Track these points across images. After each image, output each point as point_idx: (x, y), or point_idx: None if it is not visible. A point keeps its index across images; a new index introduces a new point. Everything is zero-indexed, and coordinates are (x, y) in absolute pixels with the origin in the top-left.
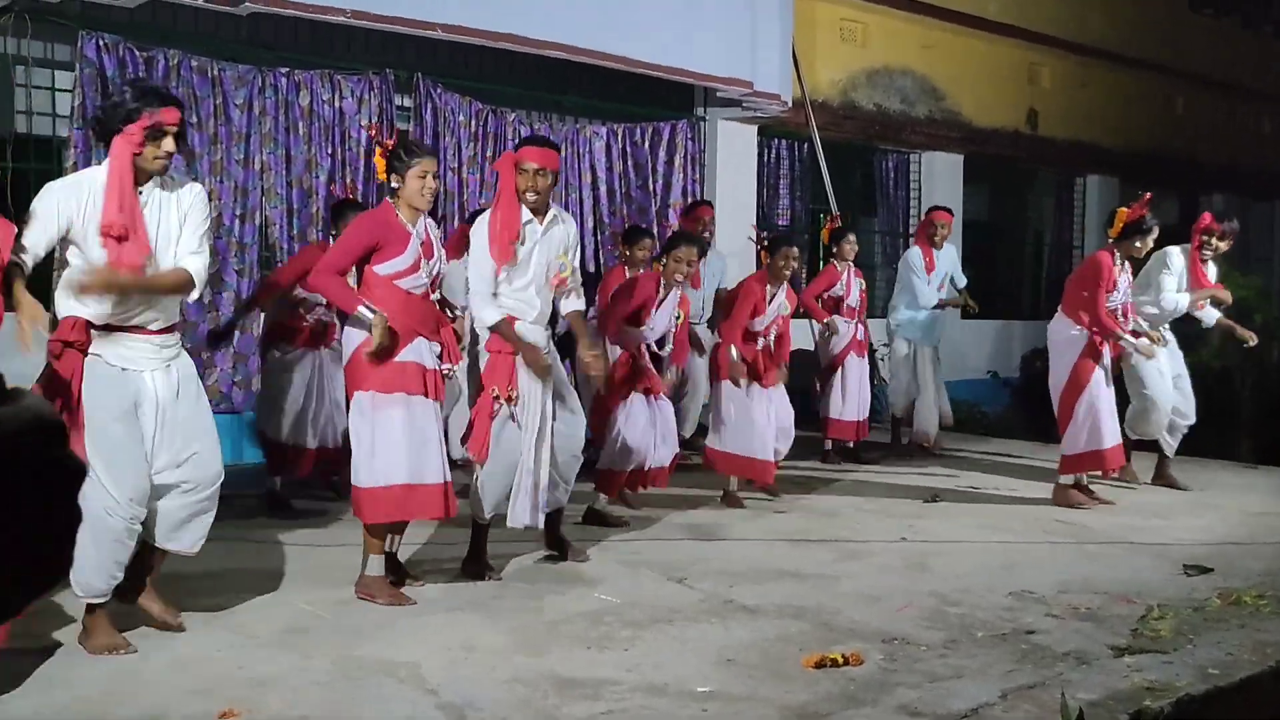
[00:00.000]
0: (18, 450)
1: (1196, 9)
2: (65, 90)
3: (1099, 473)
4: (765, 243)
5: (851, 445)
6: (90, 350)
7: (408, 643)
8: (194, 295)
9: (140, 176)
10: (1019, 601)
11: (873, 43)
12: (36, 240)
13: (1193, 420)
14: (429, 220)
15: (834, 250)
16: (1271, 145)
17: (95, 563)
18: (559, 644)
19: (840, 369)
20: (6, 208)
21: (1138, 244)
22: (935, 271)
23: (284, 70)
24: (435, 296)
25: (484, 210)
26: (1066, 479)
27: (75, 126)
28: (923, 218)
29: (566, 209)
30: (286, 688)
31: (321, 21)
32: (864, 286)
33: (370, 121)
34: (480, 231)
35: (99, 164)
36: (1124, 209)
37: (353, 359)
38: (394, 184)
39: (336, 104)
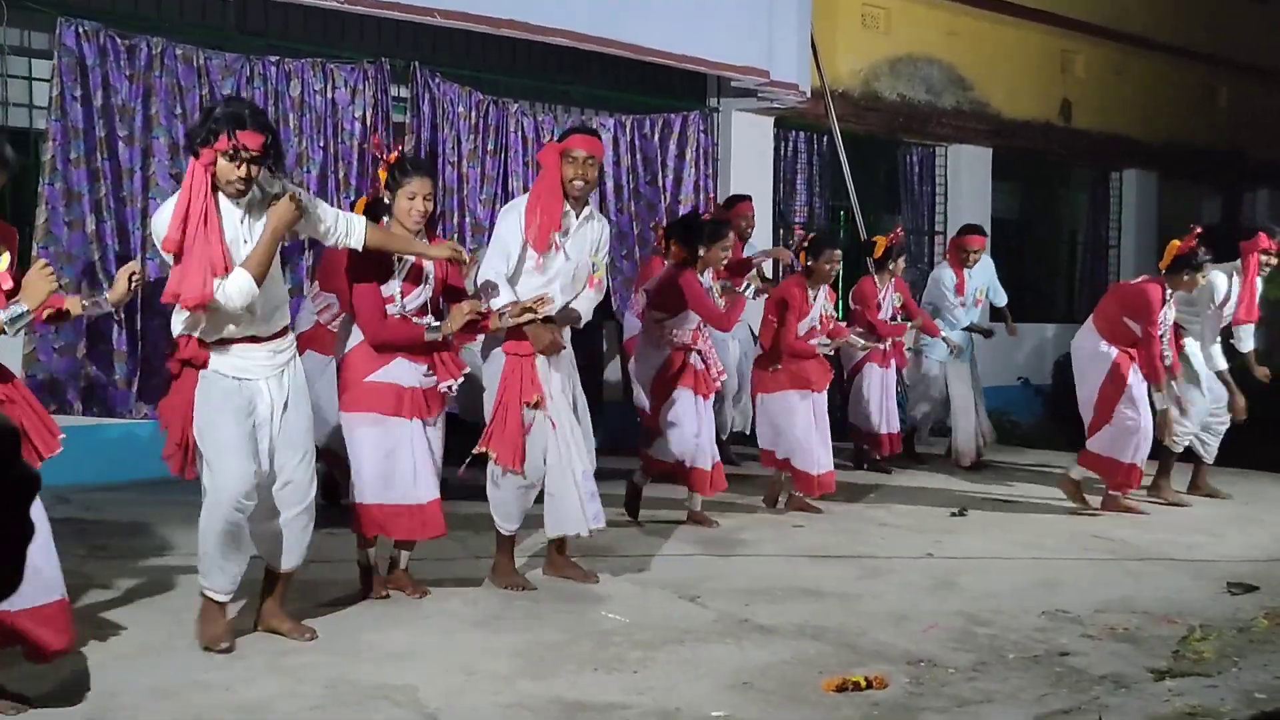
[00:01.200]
0: None
1: None
2: (43, 80)
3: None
4: (806, 244)
5: (878, 458)
6: (209, 366)
7: (405, 665)
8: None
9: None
10: (1053, 622)
11: (896, 29)
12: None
13: (1227, 423)
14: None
15: (889, 266)
16: None
17: (220, 562)
18: (565, 666)
19: (860, 374)
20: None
21: (1186, 278)
22: (966, 293)
23: (273, 59)
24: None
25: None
26: (1078, 473)
27: (53, 118)
28: (954, 237)
29: None
30: (277, 713)
31: (313, 7)
32: (901, 302)
33: (376, 132)
34: (510, 218)
35: (76, 156)
36: (1176, 241)
37: (338, 381)
38: (386, 200)
39: (329, 95)
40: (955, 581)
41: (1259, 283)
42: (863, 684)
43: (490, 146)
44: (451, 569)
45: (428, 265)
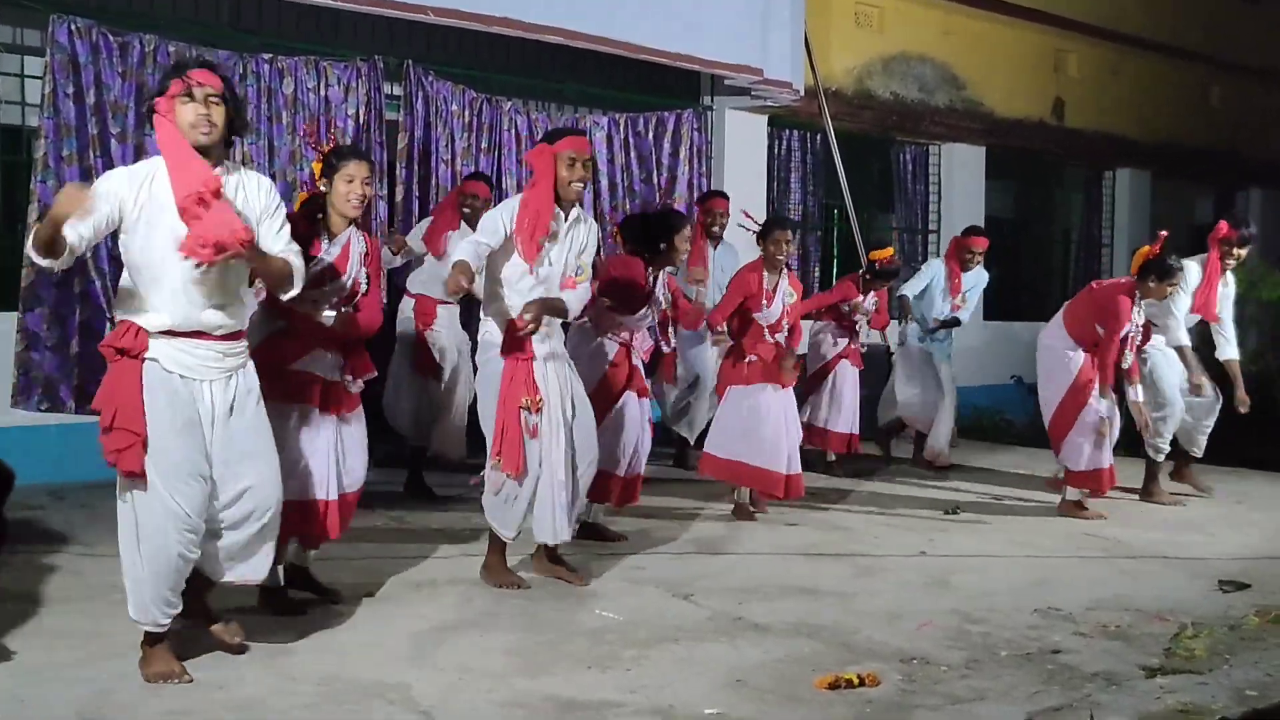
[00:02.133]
0: None
1: None
2: (35, 77)
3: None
4: (759, 228)
5: (834, 458)
6: (146, 355)
7: (398, 663)
8: (289, 295)
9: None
10: (1045, 620)
11: (890, 28)
12: (85, 222)
13: (1215, 417)
14: (357, 232)
15: (879, 280)
16: None
17: (152, 590)
18: (559, 664)
19: (831, 376)
20: None
21: (1153, 285)
22: (960, 294)
23: (266, 56)
24: (331, 315)
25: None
26: (1073, 494)
27: (46, 115)
28: (959, 236)
29: None
30: (270, 711)
31: (307, 5)
32: (879, 305)
33: (311, 118)
34: (495, 216)
35: (69, 154)
36: (1145, 248)
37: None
38: (323, 188)
39: (322, 92)
40: (948, 580)
41: (1230, 278)
42: (856, 682)
43: (484, 145)
44: (444, 567)
45: (354, 255)
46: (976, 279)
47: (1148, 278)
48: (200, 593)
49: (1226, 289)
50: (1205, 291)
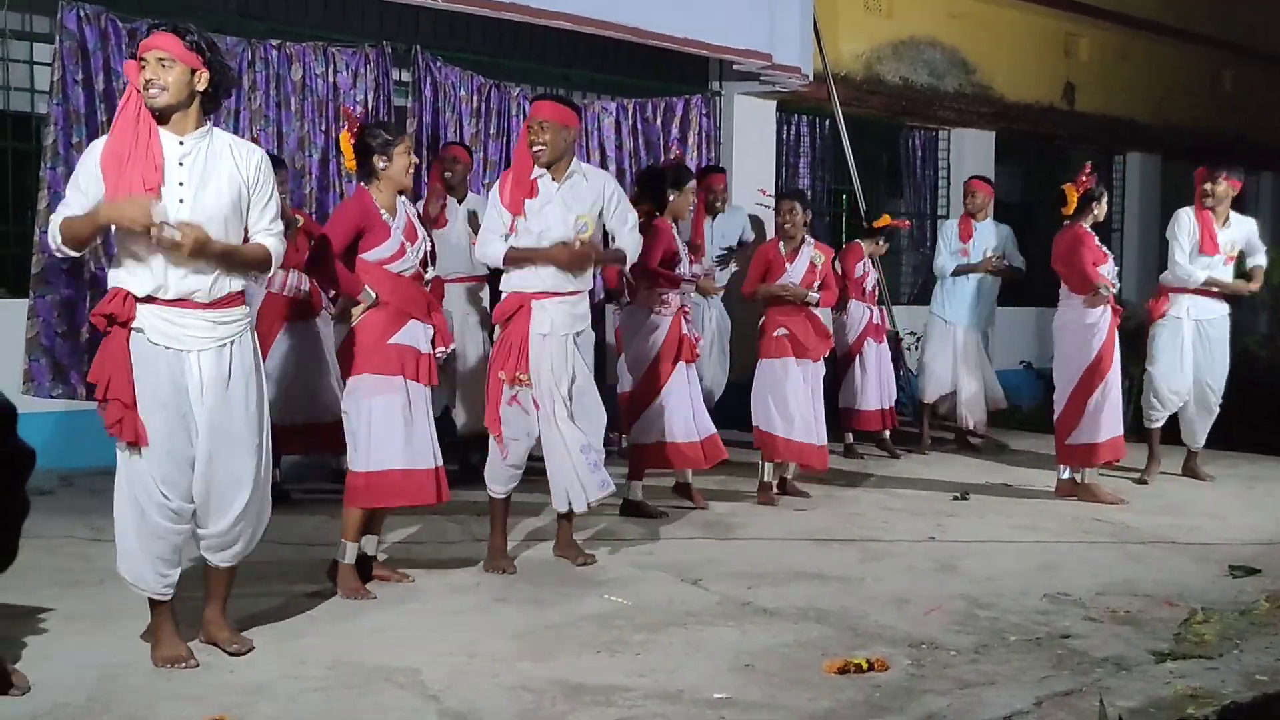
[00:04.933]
0: None
1: None
2: (44, 64)
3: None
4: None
5: (881, 436)
6: (133, 325)
7: (407, 647)
8: (266, 276)
9: (174, 122)
10: (1054, 604)
11: (899, 12)
12: (73, 198)
13: (1214, 410)
14: (405, 200)
15: (879, 241)
16: None
17: (140, 554)
18: (567, 648)
19: (859, 356)
20: None
21: (1095, 211)
22: (972, 242)
23: (275, 43)
24: (430, 275)
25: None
26: (1079, 474)
27: (55, 102)
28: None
29: None
30: (280, 694)
31: None
32: (880, 276)
33: (320, 104)
34: (489, 209)
35: (78, 140)
36: (1069, 185)
37: (345, 342)
38: (381, 165)
39: (330, 78)
40: (957, 565)
41: (1235, 218)
42: (864, 666)
43: (492, 130)
44: (452, 551)
45: (415, 220)
46: (993, 231)
47: (1088, 207)
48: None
49: (1230, 228)
50: (1205, 233)
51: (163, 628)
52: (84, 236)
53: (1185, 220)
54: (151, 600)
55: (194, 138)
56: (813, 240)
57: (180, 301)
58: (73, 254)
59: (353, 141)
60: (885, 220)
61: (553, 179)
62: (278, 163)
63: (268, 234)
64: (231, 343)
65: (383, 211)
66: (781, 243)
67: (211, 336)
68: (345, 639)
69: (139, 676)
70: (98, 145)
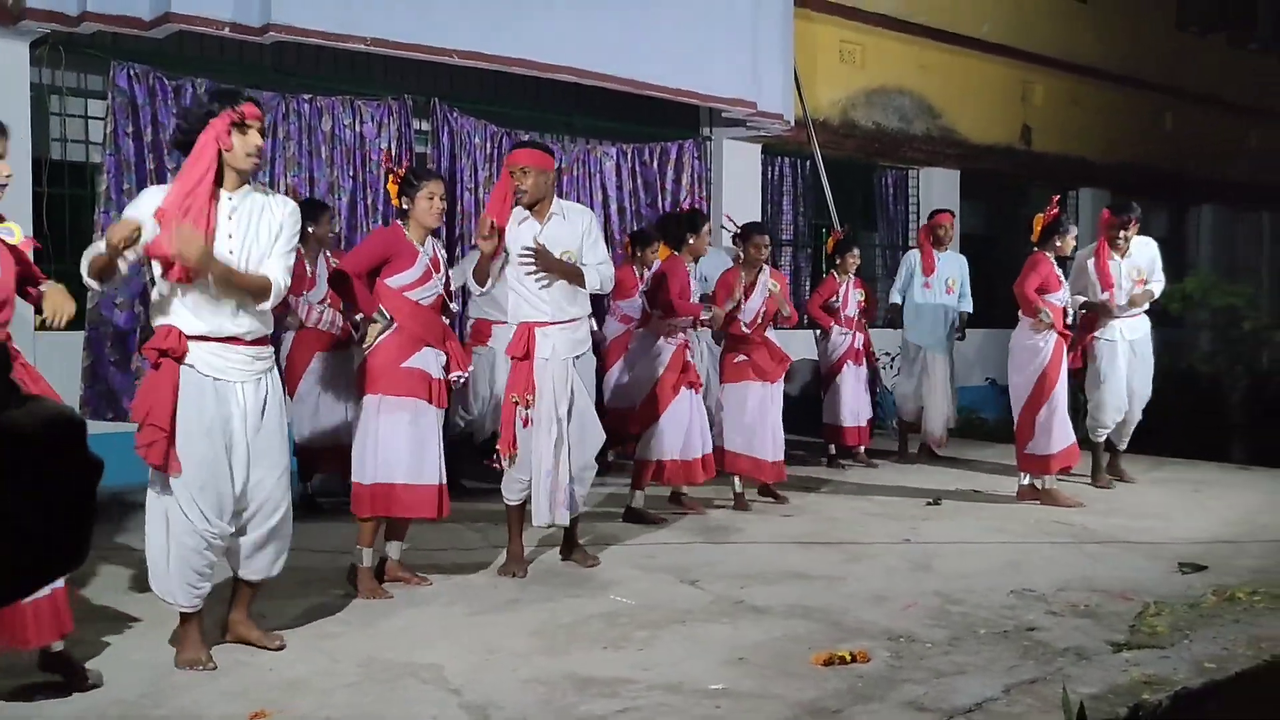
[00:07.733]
0: (32, 446)
1: (1183, 27)
2: (97, 118)
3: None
4: (738, 233)
5: (855, 451)
6: (185, 360)
7: (431, 645)
8: (266, 306)
9: (229, 179)
10: (1020, 600)
11: (871, 64)
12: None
13: (1139, 417)
14: (435, 240)
15: (837, 262)
16: (1258, 158)
17: (175, 572)
18: (577, 645)
19: (838, 376)
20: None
21: (1058, 243)
22: (935, 274)
23: (306, 96)
24: (455, 307)
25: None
26: (1039, 480)
27: (108, 153)
28: (925, 224)
29: None
30: (316, 689)
31: (342, 49)
32: (863, 298)
33: (387, 148)
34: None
35: (129, 187)
36: (1040, 215)
37: (364, 363)
38: (405, 206)
39: (357, 128)
40: (931, 564)
41: (1135, 248)
42: (848, 658)
43: None
44: (472, 557)
45: (440, 258)
46: (954, 262)
47: (1051, 237)
48: (235, 601)
49: (1132, 258)
50: (1101, 269)
51: (188, 635)
52: (101, 266)
53: (1088, 267)
54: (181, 611)
55: (240, 195)
56: (769, 268)
57: (230, 339)
58: (96, 286)
59: (396, 181)
60: (831, 242)
61: (535, 219)
62: (321, 206)
63: (274, 268)
64: (267, 374)
65: (414, 242)
66: (743, 271)
67: (251, 370)
68: (374, 639)
69: (186, 675)
70: (155, 193)
